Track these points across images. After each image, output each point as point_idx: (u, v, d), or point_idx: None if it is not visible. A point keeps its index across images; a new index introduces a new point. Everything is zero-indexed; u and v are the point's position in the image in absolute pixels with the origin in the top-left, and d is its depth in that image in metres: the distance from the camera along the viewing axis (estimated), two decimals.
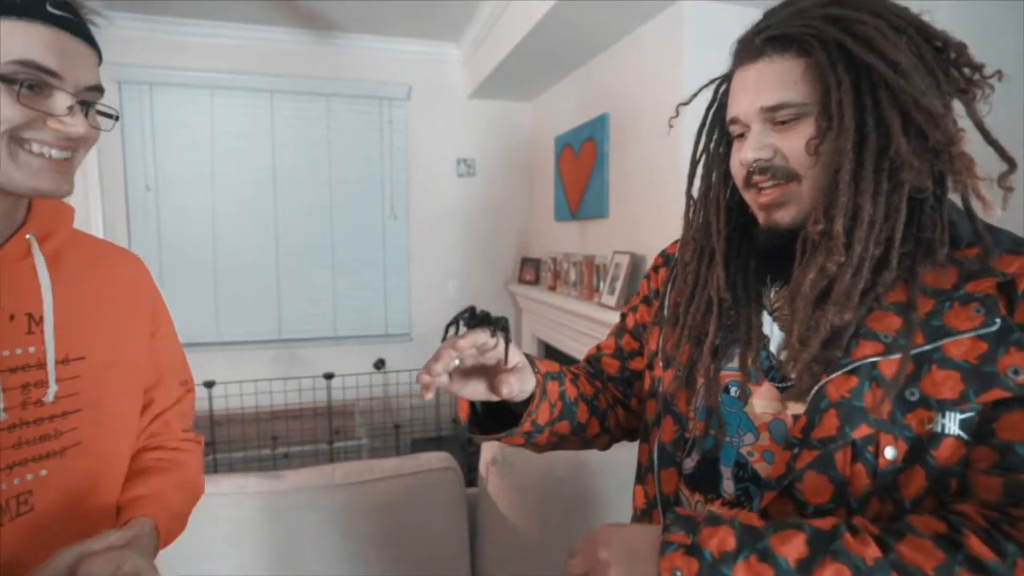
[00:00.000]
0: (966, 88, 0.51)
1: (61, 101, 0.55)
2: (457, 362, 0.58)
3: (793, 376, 0.56)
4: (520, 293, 3.17)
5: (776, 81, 0.55)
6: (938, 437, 0.48)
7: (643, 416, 0.74)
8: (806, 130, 0.55)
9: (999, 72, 0.51)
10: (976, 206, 0.52)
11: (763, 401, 0.59)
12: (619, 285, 2.14)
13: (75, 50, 0.57)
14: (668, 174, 1.99)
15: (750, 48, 0.58)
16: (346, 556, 1.14)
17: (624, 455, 0.94)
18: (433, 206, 3.21)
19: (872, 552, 0.45)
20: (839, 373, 0.52)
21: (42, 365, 0.60)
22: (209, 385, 2.51)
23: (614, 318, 2.08)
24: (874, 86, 0.51)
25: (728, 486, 0.60)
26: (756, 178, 0.58)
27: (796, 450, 0.53)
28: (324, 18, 2.71)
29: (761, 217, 0.61)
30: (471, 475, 1.50)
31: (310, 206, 3.02)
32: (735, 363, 0.62)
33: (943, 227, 0.52)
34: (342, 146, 3.03)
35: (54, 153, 0.57)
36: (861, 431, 0.50)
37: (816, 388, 0.53)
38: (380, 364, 3.13)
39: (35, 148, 0.55)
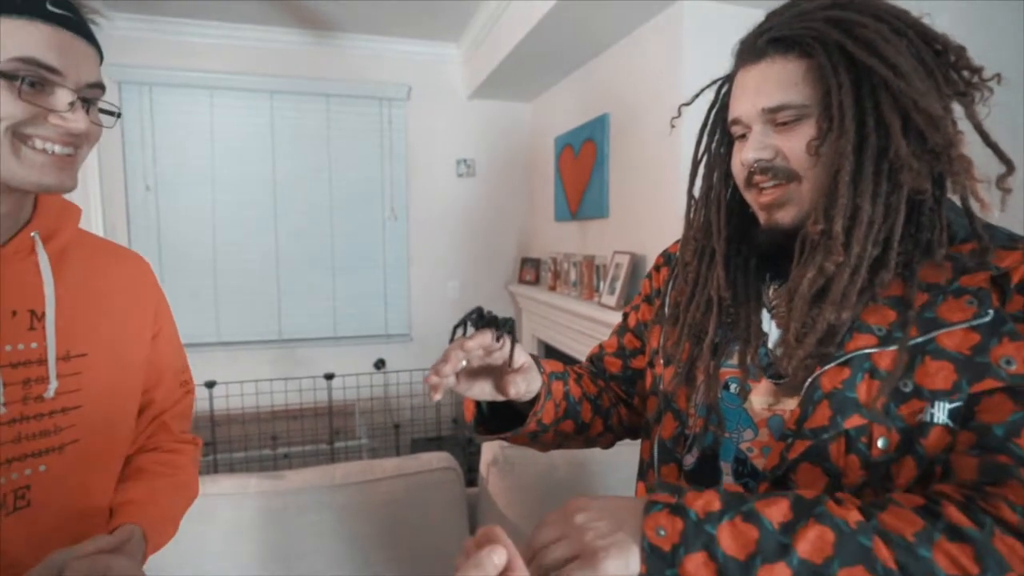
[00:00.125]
0: (965, 91, 0.52)
1: (62, 97, 0.56)
2: (464, 363, 0.58)
3: (788, 371, 0.56)
4: (520, 293, 3.18)
5: (778, 82, 0.56)
6: (927, 426, 0.49)
7: (644, 413, 0.75)
8: (807, 131, 0.55)
9: (998, 75, 0.52)
10: (976, 207, 0.52)
11: (762, 397, 0.60)
12: (619, 285, 2.14)
13: (75, 48, 0.57)
14: (668, 174, 1.99)
15: (752, 49, 0.58)
16: (346, 556, 1.14)
17: (624, 455, 0.94)
18: (433, 206, 3.21)
19: (855, 516, 0.45)
20: (832, 365, 0.53)
21: (43, 361, 0.61)
22: (210, 385, 2.51)
23: (614, 318, 2.09)
24: (874, 88, 0.52)
25: (728, 482, 0.61)
26: (757, 178, 0.59)
27: (790, 440, 0.54)
28: (324, 18, 2.71)
29: (762, 217, 0.62)
30: (471, 475, 1.51)
31: (310, 206, 3.02)
32: (735, 360, 0.63)
33: (942, 228, 0.53)
34: (342, 146, 3.03)
35: (57, 149, 0.57)
36: (853, 421, 0.51)
37: (810, 380, 0.54)
38: (380, 364, 3.14)
39: (38, 144, 0.56)
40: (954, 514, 0.44)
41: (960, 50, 0.52)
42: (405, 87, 3.06)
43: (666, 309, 0.72)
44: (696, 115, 0.71)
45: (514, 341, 0.61)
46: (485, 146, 3.26)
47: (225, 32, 2.78)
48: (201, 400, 2.57)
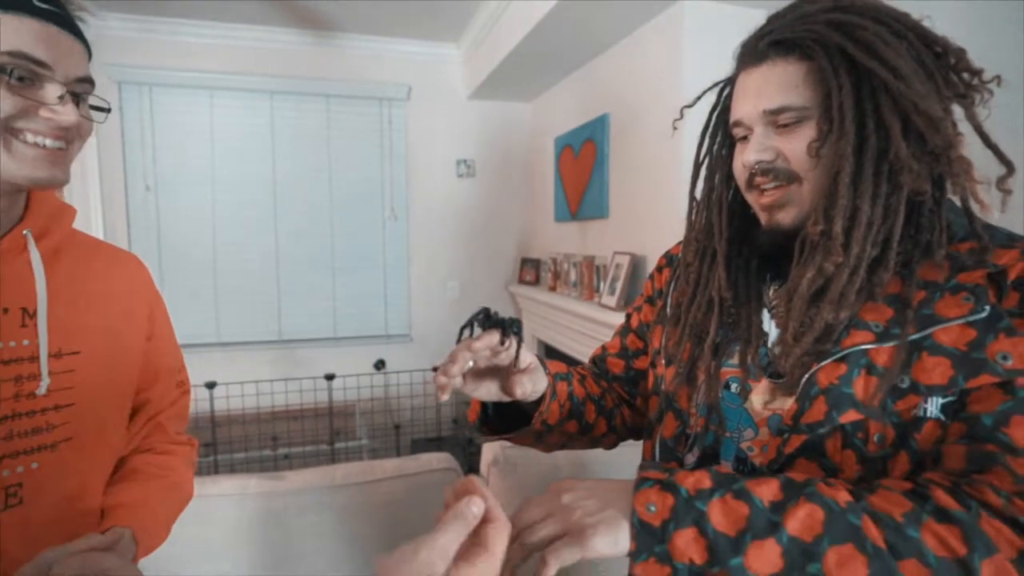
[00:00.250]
0: (965, 93, 0.52)
1: (52, 91, 0.56)
2: (471, 363, 0.59)
3: (786, 369, 0.57)
4: (520, 293, 3.18)
5: (779, 85, 0.56)
6: (920, 421, 0.50)
7: (647, 414, 0.75)
8: (808, 133, 0.56)
9: (998, 77, 0.52)
10: (976, 208, 0.52)
11: (762, 397, 0.60)
12: (619, 286, 2.15)
13: (63, 42, 0.58)
14: (669, 174, 1.99)
15: (754, 52, 0.58)
16: (347, 556, 1.14)
17: (627, 455, 0.94)
18: (433, 206, 3.21)
19: (844, 497, 0.46)
20: (829, 360, 0.53)
21: (35, 358, 0.61)
22: (210, 386, 2.51)
23: (614, 318, 2.09)
24: (875, 90, 0.52)
25: None
26: (758, 180, 0.59)
27: (786, 435, 0.55)
28: (324, 18, 2.71)
29: (763, 218, 0.62)
30: (471, 475, 1.51)
31: (310, 206, 3.02)
32: (735, 360, 0.63)
33: (941, 228, 0.53)
34: (342, 146, 3.04)
35: (48, 143, 0.58)
36: (849, 416, 0.51)
37: (807, 376, 0.54)
38: (380, 365, 3.14)
39: (29, 138, 0.56)
40: (942, 497, 0.44)
41: (960, 52, 0.53)
42: (405, 87, 3.06)
43: (668, 310, 0.73)
44: (697, 116, 0.71)
45: (520, 342, 0.62)
46: (485, 146, 3.26)
47: (224, 32, 2.78)
48: (201, 401, 2.58)
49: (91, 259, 0.71)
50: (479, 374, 0.64)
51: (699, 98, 0.70)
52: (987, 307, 0.49)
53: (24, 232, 0.62)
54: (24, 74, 0.54)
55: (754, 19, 0.61)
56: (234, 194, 2.91)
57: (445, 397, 0.57)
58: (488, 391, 0.65)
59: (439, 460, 1.26)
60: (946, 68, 0.53)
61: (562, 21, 2.04)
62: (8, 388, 0.59)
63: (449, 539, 0.38)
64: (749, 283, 0.65)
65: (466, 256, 3.30)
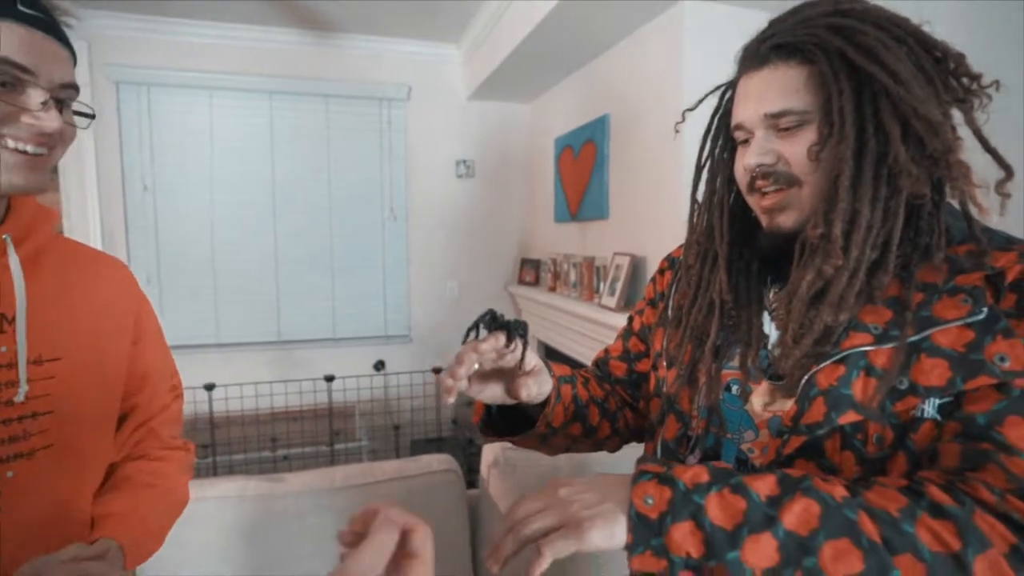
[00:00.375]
0: (964, 97, 0.52)
1: (35, 97, 0.56)
2: (477, 365, 0.59)
3: (786, 371, 0.57)
4: (520, 294, 3.18)
5: (780, 88, 0.56)
6: (917, 421, 0.50)
7: (649, 416, 0.76)
8: (808, 136, 0.56)
9: (996, 82, 0.52)
10: (975, 211, 0.53)
11: (762, 398, 0.61)
12: (619, 286, 2.15)
13: (47, 48, 0.57)
14: (669, 175, 2.00)
15: (755, 56, 0.59)
16: None
17: (629, 456, 0.94)
18: (433, 207, 3.21)
19: (840, 492, 0.46)
20: (829, 362, 0.54)
21: (13, 365, 0.60)
22: (209, 388, 2.51)
23: (614, 319, 2.09)
24: (875, 95, 0.52)
25: None
26: (759, 183, 0.60)
27: (786, 436, 0.55)
28: (323, 19, 2.71)
29: (764, 220, 0.62)
30: (471, 476, 1.51)
31: (309, 207, 3.02)
32: (736, 362, 0.63)
33: (940, 232, 0.54)
34: (341, 147, 3.03)
35: (30, 148, 0.57)
36: (847, 417, 0.51)
37: (806, 377, 0.54)
38: (380, 365, 3.14)
39: (10, 144, 0.56)
40: (936, 493, 0.45)
41: (959, 57, 0.53)
42: (405, 87, 3.06)
43: (669, 312, 0.73)
44: (698, 117, 0.71)
45: (526, 344, 0.62)
46: (485, 147, 3.27)
47: (223, 32, 2.78)
48: (200, 403, 2.58)
49: (73, 263, 0.70)
50: (484, 376, 0.65)
51: (701, 101, 0.70)
52: (985, 309, 0.49)
53: (3, 237, 0.61)
54: (7, 79, 0.54)
55: (754, 20, 0.61)
56: (233, 194, 2.91)
57: (452, 399, 0.57)
58: (493, 393, 0.65)
59: (440, 462, 1.26)
60: (945, 73, 0.53)
61: (563, 21, 2.04)
62: None
63: (374, 556, 0.35)
64: (750, 285, 0.65)
65: (466, 256, 3.30)
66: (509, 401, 0.66)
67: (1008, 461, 0.45)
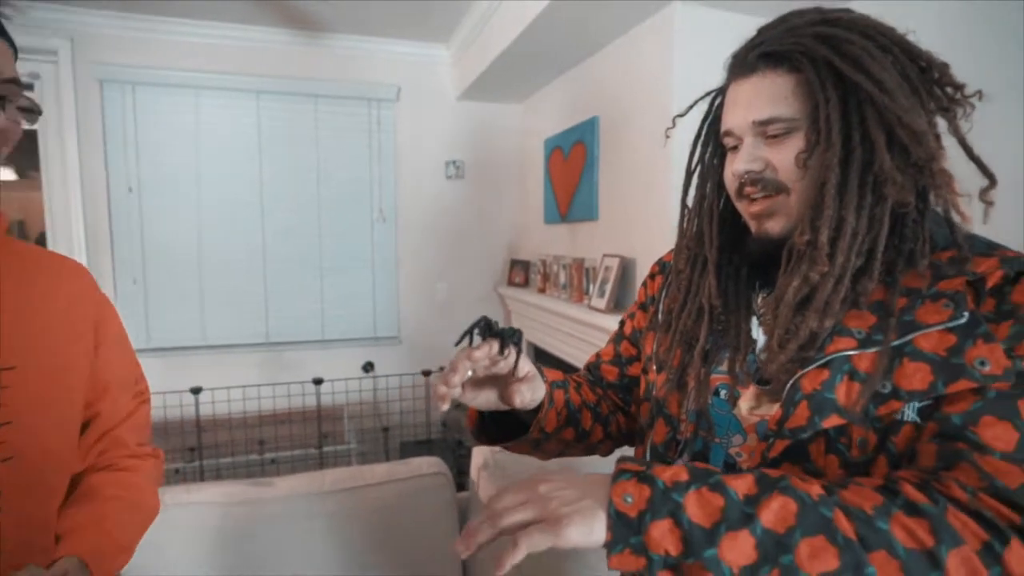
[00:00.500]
0: (948, 107, 0.53)
1: None
2: (471, 372, 0.59)
3: (771, 376, 0.58)
4: (509, 295, 3.18)
5: (768, 96, 0.57)
6: (898, 425, 0.51)
7: (640, 419, 0.76)
8: (796, 144, 0.57)
9: (979, 92, 0.53)
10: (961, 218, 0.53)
11: (749, 403, 0.61)
12: (609, 288, 2.16)
13: None
14: (658, 177, 2.01)
15: (744, 63, 0.59)
16: (336, 563, 1.14)
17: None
18: (422, 208, 3.20)
19: (816, 490, 0.46)
20: (813, 367, 0.54)
21: None
22: (196, 392, 2.48)
23: (604, 321, 2.10)
24: (860, 103, 0.53)
25: None
26: (748, 189, 0.60)
27: (771, 441, 0.55)
28: (312, 18, 2.70)
29: (752, 226, 0.63)
30: (461, 479, 1.51)
31: (298, 208, 3.00)
32: (725, 367, 0.64)
33: (924, 239, 0.54)
34: (330, 147, 3.02)
35: None
36: (831, 421, 0.52)
37: (791, 382, 0.55)
38: (369, 367, 3.12)
39: None
40: (911, 491, 0.45)
41: (943, 67, 0.54)
42: (394, 88, 3.05)
43: (659, 316, 0.73)
44: (687, 121, 0.72)
45: (520, 352, 0.62)
46: (474, 147, 3.26)
47: (210, 31, 2.75)
48: (187, 407, 2.55)
49: (27, 267, 0.68)
50: (478, 383, 0.65)
51: (691, 107, 0.71)
52: (966, 313, 0.50)
53: None
54: None
55: (744, 24, 0.62)
56: (220, 195, 2.88)
57: (445, 407, 0.57)
58: (487, 400, 0.65)
59: (429, 464, 1.26)
60: (930, 82, 0.54)
61: (553, 22, 2.05)
62: None
63: None
64: (739, 291, 0.66)
65: (455, 258, 3.30)
66: (502, 407, 0.66)
67: (981, 460, 0.46)
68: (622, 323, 0.85)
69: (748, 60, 0.59)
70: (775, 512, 0.45)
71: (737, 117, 0.60)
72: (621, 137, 2.24)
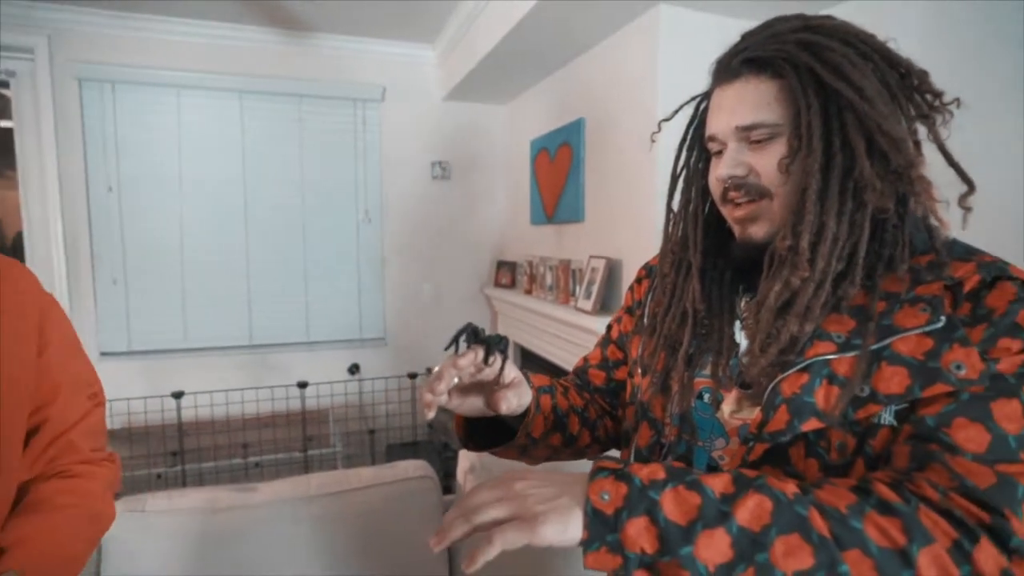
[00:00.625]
0: (927, 114, 0.54)
1: None
2: (457, 380, 0.59)
3: (752, 380, 0.58)
4: (496, 296, 3.18)
5: (751, 102, 0.57)
6: (875, 428, 0.51)
7: (624, 422, 0.76)
8: (779, 149, 0.57)
9: (957, 100, 0.54)
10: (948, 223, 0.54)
11: (731, 407, 0.61)
12: (595, 289, 2.16)
13: None
14: (643, 179, 2.02)
15: (727, 69, 0.60)
16: (323, 569, 1.12)
17: None
18: (408, 209, 3.19)
19: (792, 489, 0.47)
20: (793, 371, 0.54)
21: None
22: (177, 396, 2.44)
23: (590, 322, 2.10)
24: (841, 110, 0.54)
25: None
26: (732, 194, 0.61)
27: (751, 444, 0.56)
28: (296, 17, 2.67)
29: (737, 231, 0.64)
30: (448, 482, 1.50)
31: (282, 208, 2.97)
32: (708, 371, 0.64)
33: (904, 244, 0.55)
34: (314, 148, 2.99)
35: None
36: (810, 424, 0.52)
37: (771, 386, 0.55)
38: (354, 369, 3.10)
39: None
40: (884, 491, 0.46)
41: (923, 74, 0.55)
42: (379, 88, 3.03)
43: (645, 320, 0.74)
44: (672, 125, 0.72)
45: (505, 359, 0.62)
46: (460, 148, 3.25)
47: (192, 29, 2.71)
48: (169, 411, 2.51)
49: None
50: (464, 390, 0.65)
51: (676, 112, 0.71)
52: (943, 317, 0.50)
53: None
54: None
55: (728, 27, 0.63)
56: (203, 195, 2.84)
57: (431, 415, 0.57)
58: (473, 406, 0.65)
59: (416, 468, 1.25)
60: (909, 89, 0.55)
61: (540, 22, 2.05)
62: None
63: None
64: (723, 295, 0.66)
65: (441, 259, 3.28)
66: (489, 414, 0.66)
67: (952, 461, 0.46)
68: (609, 327, 0.85)
69: (732, 66, 0.59)
70: (751, 510, 0.45)
71: (721, 122, 0.60)
72: (607, 138, 2.25)
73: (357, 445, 2.95)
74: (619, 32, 2.13)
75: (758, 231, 0.60)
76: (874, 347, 0.52)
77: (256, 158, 2.90)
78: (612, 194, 2.24)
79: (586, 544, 0.45)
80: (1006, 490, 0.44)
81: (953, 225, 0.54)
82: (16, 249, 2.69)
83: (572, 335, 2.32)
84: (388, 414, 2.96)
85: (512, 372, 0.64)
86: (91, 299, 2.69)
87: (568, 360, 2.40)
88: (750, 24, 0.61)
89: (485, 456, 1.27)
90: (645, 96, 1.97)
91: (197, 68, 2.75)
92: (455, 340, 0.61)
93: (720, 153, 0.62)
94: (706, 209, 0.69)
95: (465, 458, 1.31)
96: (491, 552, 0.45)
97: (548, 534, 0.45)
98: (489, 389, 0.65)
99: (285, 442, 2.68)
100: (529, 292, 2.86)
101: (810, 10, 0.63)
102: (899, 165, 0.51)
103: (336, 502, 1.17)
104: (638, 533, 0.45)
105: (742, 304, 0.65)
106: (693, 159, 0.69)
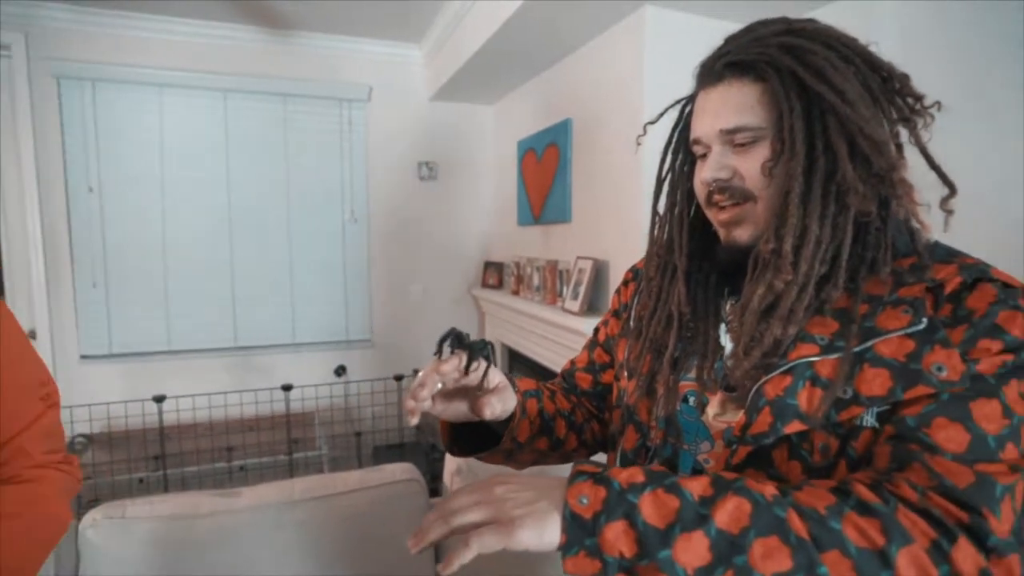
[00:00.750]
0: (909, 117, 0.55)
1: None
2: (440, 385, 0.59)
3: (736, 382, 0.58)
4: (483, 297, 3.17)
5: (735, 105, 0.57)
6: (858, 430, 0.51)
7: (611, 426, 0.76)
8: (762, 152, 0.57)
9: (938, 103, 0.55)
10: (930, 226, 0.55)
11: (716, 409, 0.62)
12: (582, 290, 2.16)
13: None
14: (630, 179, 2.02)
15: (711, 72, 0.60)
16: (308, 573, 1.11)
17: None
18: (394, 209, 3.17)
19: (771, 491, 0.47)
20: (776, 373, 0.55)
21: None
22: (159, 400, 2.40)
23: (577, 323, 2.10)
24: (823, 113, 0.54)
25: None
26: (716, 197, 0.61)
27: (734, 447, 0.56)
28: (282, 16, 2.64)
29: (721, 234, 0.64)
30: (434, 484, 1.49)
31: (266, 209, 2.94)
32: (693, 374, 0.64)
33: (887, 247, 0.55)
34: (300, 148, 2.96)
35: None
36: (792, 426, 0.52)
37: (755, 388, 0.55)
38: (341, 371, 3.07)
39: None
40: (863, 492, 0.46)
41: (904, 78, 0.55)
42: (366, 88, 3.01)
43: (631, 323, 0.73)
44: (658, 127, 0.72)
45: (489, 364, 0.62)
46: (447, 148, 3.24)
47: (174, 26, 2.67)
48: (150, 415, 2.47)
49: None
50: (448, 395, 0.64)
51: (662, 115, 0.71)
52: (925, 319, 0.50)
53: None
54: None
55: (714, 29, 0.63)
56: (185, 195, 2.80)
57: (415, 421, 0.57)
58: (457, 412, 0.65)
59: (402, 471, 1.24)
60: (891, 92, 0.55)
61: (527, 22, 2.05)
62: None
63: None
64: (708, 298, 0.66)
65: (428, 259, 3.27)
66: (473, 419, 0.65)
67: (931, 460, 0.46)
68: (596, 330, 0.85)
69: (715, 69, 0.59)
70: (729, 512, 0.45)
71: (705, 126, 0.60)
72: (594, 139, 2.25)
73: (343, 448, 2.92)
74: (605, 33, 2.14)
75: (743, 234, 0.60)
76: (857, 349, 0.52)
77: (240, 158, 2.87)
78: (599, 195, 2.24)
79: (564, 548, 0.45)
80: (985, 489, 0.44)
81: (936, 228, 0.55)
82: None
83: (559, 336, 2.32)
84: (375, 416, 2.94)
85: (496, 377, 0.64)
86: (71, 302, 2.64)
87: (555, 360, 2.40)
88: (736, 26, 0.61)
89: (472, 460, 1.26)
90: (632, 97, 1.98)
91: (180, 67, 2.71)
92: (439, 346, 0.61)
93: (705, 156, 0.62)
94: (691, 212, 0.69)
95: (452, 460, 1.30)
96: (467, 555, 0.45)
97: (524, 538, 0.45)
98: (473, 394, 0.65)
99: (270, 445, 2.65)
100: (516, 293, 2.86)
101: (796, 11, 0.63)
102: (881, 168, 0.52)
103: (321, 506, 1.16)
104: (616, 537, 0.45)
105: (727, 307, 0.65)
106: (678, 162, 0.69)
